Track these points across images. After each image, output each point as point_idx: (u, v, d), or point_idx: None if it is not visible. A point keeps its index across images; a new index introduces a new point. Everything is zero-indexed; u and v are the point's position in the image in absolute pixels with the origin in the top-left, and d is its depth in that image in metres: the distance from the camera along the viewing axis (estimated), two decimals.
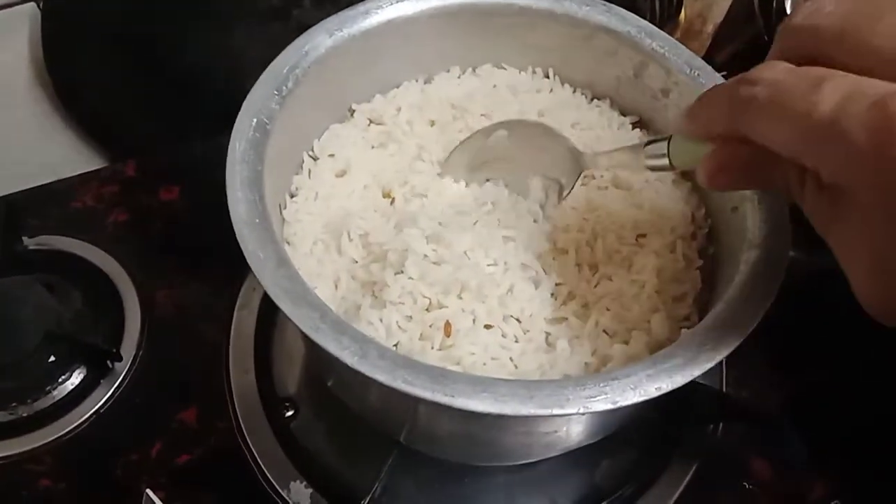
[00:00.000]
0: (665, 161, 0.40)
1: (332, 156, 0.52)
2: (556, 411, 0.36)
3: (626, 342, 0.45)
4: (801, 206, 0.32)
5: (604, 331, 0.46)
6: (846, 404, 0.61)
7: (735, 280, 0.42)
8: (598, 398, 0.36)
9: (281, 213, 0.49)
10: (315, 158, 0.52)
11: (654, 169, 0.41)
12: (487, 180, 0.52)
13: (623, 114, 0.56)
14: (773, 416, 0.58)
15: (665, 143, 0.39)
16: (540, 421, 0.42)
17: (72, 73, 0.69)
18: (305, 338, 0.50)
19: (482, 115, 0.54)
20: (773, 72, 0.30)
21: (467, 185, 0.52)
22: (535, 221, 0.49)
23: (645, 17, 0.55)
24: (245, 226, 0.40)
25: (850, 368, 0.63)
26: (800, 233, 0.63)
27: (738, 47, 0.75)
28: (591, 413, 0.36)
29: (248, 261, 0.39)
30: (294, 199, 0.50)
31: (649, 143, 0.41)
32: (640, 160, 0.41)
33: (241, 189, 0.42)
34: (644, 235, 0.49)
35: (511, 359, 0.44)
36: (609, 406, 0.36)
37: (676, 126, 0.38)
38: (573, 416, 0.43)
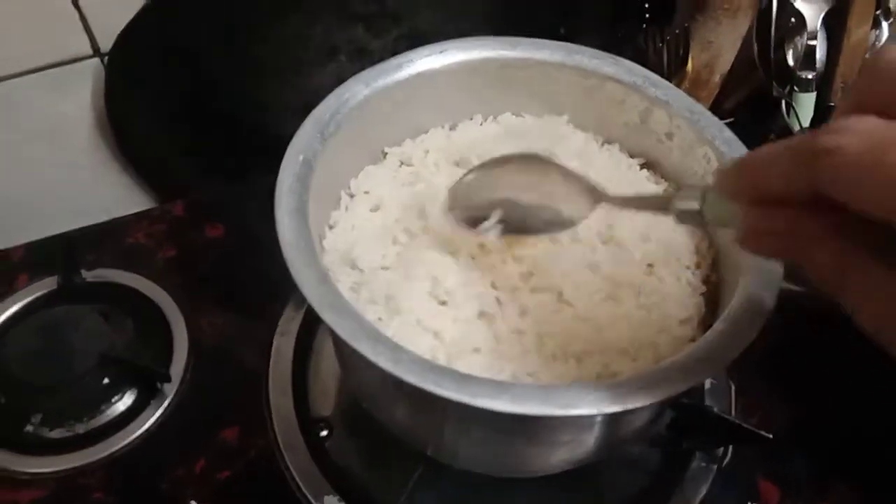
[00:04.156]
0: (697, 215, 0.37)
1: (366, 193, 0.57)
2: (571, 412, 0.40)
3: (635, 359, 0.49)
4: (839, 294, 0.29)
5: (614, 349, 0.50)
6: (852, 428, 0.64)
7: (733, 301, 0.46)
8: (610, 400, 0.40)
9: (321, 242, 0.54)
10: (351, 195, 0.57)
11: (683, 221, 0.39)
12: (492, 219, 0.50)
13: (631, 156, 0.61)
14: (781, 439, 0.61)
15: (699, 195, 0.37)
16: (557, 426, 0.46)
17: (129, 122, 0.75)
18: (341, 352, 0.55)
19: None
20: (866, 123, 0.26)
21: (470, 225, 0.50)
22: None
23: (654, 69, 0.60)
24: (291, 248, 0.45)
25: (855, 394, 0.66)
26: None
27: (744, 96, 0.80)
28: (603, 414, 0.40)
29: (294, 278, 0.43)
30: (332, 230, 0.55)
31: (681, 192, 0.39)
32: (671, 207, 0.39)
33: (287, 216, 0.46)
34: (652, 265, 0.54)
35: (528, 374, 0.48)
36: (618, 408, 0.40)
37: (714, 182, 0.35)
38: (588, 424, 0.47)
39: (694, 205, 0.37)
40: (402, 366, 0.41)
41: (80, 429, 0.63)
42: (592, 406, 0.40)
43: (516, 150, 0.58)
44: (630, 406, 0.40)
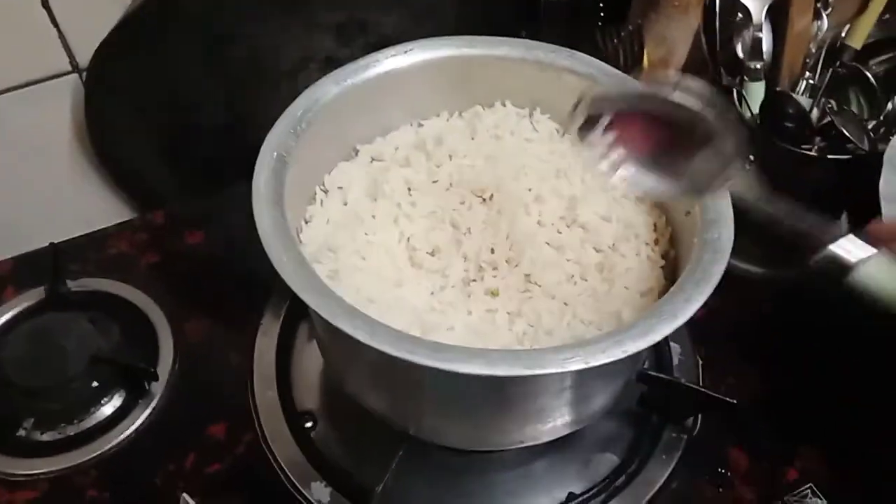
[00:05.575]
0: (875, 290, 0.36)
1: (340, 188, 0.60)
2: (538, 371, 0.42)
3: (601, 330, 0.52)
4: None
5: (580, 321, 0.52)
6: (816, 396, 0.67)
7: (686, 271, 0.49)
8: (574, 359, 0.42)
9: (298, 236, 0.56)
10: (326, 191, 0.60)
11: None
12: None
13: None
14: (747, 409, 0.63)
15: (870, 265, 0.36)
16: (530, 392, 0.49)
17: (109, 136, 0.78)
18: (322, 337, 0.58)
19: (465, 154, 0.62)
20: None
21: None
22: None
23: (612, 66, 0.63)
24: (270, 235, 0.47)
25: (817, 364, 0.69)
26: (769, 253, 0.70)
27: None
28: (569, 371, 0.43)
29: (273, 263, 0.46)
30: (308, 224, 0.57)
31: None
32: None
33: (265, 206, 0.49)
34: (614, 243, 0.57)
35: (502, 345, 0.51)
36: (583, 365, 0.42)
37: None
38: (559, 388, 0.50)
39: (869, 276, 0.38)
40: (379, 338, 0.43)
41: (72, 430, 0.65)
42: (559, 364, 0.42)
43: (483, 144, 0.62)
44: (594, 363, 0.43)
